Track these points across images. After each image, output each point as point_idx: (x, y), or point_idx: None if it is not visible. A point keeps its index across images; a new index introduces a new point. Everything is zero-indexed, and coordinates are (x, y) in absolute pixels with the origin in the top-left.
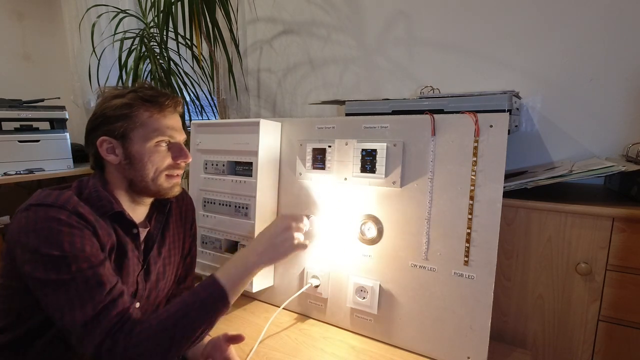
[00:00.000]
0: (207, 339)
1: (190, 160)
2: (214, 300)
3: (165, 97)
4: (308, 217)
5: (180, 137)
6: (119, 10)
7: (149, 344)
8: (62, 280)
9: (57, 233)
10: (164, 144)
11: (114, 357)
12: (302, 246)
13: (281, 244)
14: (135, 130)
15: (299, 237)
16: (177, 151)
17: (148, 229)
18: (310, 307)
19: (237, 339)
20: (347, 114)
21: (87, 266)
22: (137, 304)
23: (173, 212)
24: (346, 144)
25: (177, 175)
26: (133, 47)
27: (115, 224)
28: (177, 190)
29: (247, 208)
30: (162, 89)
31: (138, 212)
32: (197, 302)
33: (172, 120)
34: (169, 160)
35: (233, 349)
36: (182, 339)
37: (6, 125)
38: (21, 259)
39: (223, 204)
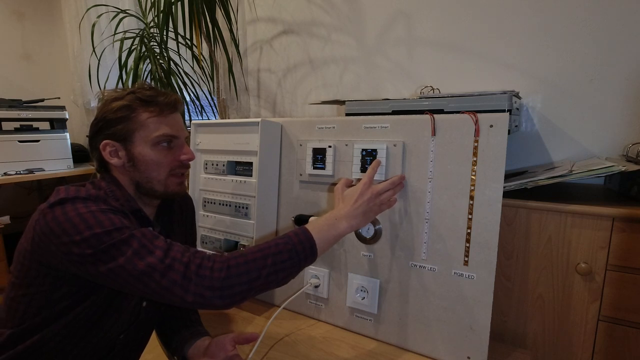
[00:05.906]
0: (208, 339)
1: (194, 158)
2: (304, 248)
3: (164, 96)
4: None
5: (182, 136)
6: (119, 10)
7: (238, 270)
8: (121, 240)
9: (100, 217)
10: (165, 144)
11: (202, 278)
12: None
13: (372, 210)
14: (136, 132)
15: (386, 198)
16: (180, 150)
17: (158, 230)
18: (310, 307)
19: (250, 338)
20: (347, 114)
21: (135, 229)
22: (144, 303)
23: (176, 213)
24: (346, 144)
25: (183, 174)
26: (133, 47)
27: (136, 221)
28: (183, 190)
29: (247, 208)
30: (161, 89)
31: (147, 213)
32: (289, 243)
33: (173, 120)
34: (172, 160)
35: (237, 350)
36: (269, 276)
37: (6, 125)
38: (63, 251)
39: (223, 204)
